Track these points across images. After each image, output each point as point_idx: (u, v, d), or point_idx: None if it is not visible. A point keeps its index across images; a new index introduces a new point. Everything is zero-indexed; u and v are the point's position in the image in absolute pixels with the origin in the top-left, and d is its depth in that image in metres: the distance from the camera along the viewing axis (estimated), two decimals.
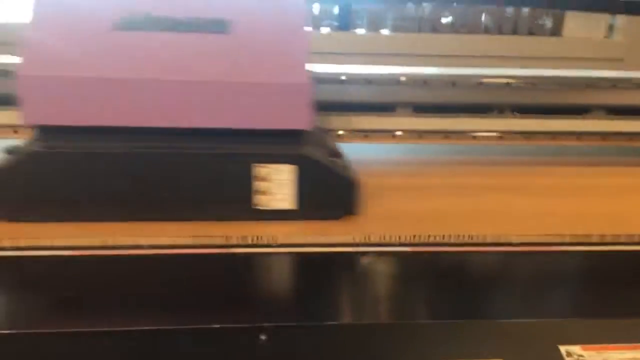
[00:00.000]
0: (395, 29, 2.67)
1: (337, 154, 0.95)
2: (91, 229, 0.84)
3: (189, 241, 0.84)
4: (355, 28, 2.63)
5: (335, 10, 2.64)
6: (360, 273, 0.82)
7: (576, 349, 0.67)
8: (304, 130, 0.88)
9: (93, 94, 0.84)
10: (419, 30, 2.69)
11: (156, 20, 0.88)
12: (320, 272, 0.81)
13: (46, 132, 0.86)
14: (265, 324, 0.63)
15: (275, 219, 0.89)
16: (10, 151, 0.87)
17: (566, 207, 1.02)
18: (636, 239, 0.90)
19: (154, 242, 0.82)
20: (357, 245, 0.85)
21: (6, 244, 0.81)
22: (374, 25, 2.65)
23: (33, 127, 0.87)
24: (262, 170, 0.88)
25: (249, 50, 0.88)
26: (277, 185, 0.89)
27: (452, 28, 2.69)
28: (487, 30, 2.72)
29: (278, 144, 0.88)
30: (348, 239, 0.86)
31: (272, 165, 0.88)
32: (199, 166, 0.87)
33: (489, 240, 0.86)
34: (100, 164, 0.85)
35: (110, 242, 0.82)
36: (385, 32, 2.66)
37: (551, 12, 2.74)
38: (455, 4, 2.75)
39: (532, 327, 0.69)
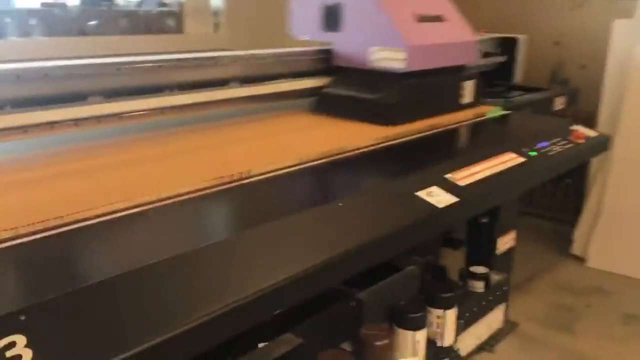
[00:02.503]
0: (44, 33, 2.75)
1: None
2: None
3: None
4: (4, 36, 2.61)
5: None
6: None
7: (449, 175, 1.30)
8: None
9: (426, 53, 1.71)
10: (67, 33, 2.83)
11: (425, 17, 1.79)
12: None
13: (407, 75, 1.67)
14: None
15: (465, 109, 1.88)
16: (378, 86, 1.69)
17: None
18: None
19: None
20: None
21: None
22: (24, 32, 2.68)
23: (404, 73, 1.67)
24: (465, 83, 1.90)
25: (452, 28, 1.88)
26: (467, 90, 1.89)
27: (97, 30, 2.92)
28: (124, 32, 3.05)
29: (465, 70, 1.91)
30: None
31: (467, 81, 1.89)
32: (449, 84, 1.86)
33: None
34: (426, 86, 1.75)
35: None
36: (37, 37, 2.71)
37: (174, 15, 3.25)
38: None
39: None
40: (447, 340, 1.52)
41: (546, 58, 3.24)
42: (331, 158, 1.35)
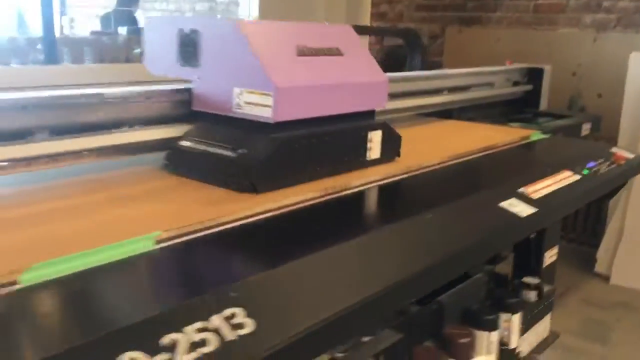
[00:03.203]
0: (94, 60, 2.90)
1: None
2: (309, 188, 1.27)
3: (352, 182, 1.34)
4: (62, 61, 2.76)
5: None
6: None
7: (523, 189, 1.45)
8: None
9: (306, 97, 1.30)
10: (115, 60, 2.99)
11: (311, 50, 1.37)
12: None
13: (281, 125, 1.25)
14: None
15: (373, 165, 1.46)
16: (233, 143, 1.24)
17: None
18: None
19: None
20: None
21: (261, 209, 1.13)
22: (77, 58, 2.83)
23: (277, 122, 1.23)
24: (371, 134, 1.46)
25: (353, 65, 1.46)
26: (374, 142, 1.46)
27: (141, 58, 3.08)
28: None
29: (371, 118, 1.49)
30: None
31: (373, 131, 1.45)
32: (349, 136, 1.42)
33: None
34: (310, 141, 1.31)
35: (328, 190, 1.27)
36: (88, 64, 2.86)
37: None
38: None
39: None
40: (513, 342, 1.65)
41: (564, 87, 3.43)
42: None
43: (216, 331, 0.75)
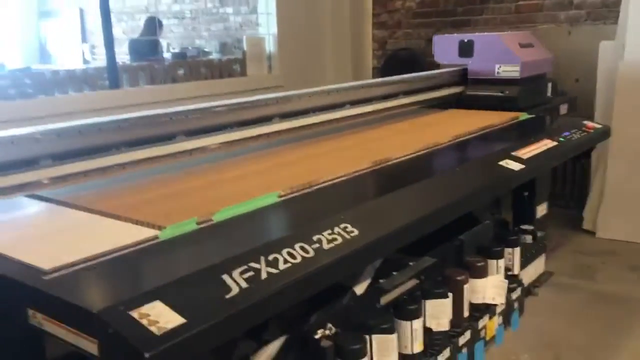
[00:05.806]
0: (147, 82, 3.43)
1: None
2: None
3: None
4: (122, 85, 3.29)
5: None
6: None
7: (514, 153, 1.99)
8: None
9: (529, 66, 3.01)
10: (164, 81, 3.52)
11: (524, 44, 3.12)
12: None
13: (520, 79, 2.90)
14: None
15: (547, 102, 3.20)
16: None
17: None
18: None
19: None
20: None
21: None
22: (134, 82, 3.36)
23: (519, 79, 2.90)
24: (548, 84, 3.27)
25: (538, 51, 3.21)
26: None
27: (185, 78, 3.62)
28: (206, 77, 3.76)
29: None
30: None
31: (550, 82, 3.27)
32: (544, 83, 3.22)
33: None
34: (529, 86, 3.00)
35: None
36: (143, 86, 3.39)
37: (239, 61, 3.96)
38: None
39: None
40: (515, 269, 2.19)
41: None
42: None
43: (339, 234, 1.30)
